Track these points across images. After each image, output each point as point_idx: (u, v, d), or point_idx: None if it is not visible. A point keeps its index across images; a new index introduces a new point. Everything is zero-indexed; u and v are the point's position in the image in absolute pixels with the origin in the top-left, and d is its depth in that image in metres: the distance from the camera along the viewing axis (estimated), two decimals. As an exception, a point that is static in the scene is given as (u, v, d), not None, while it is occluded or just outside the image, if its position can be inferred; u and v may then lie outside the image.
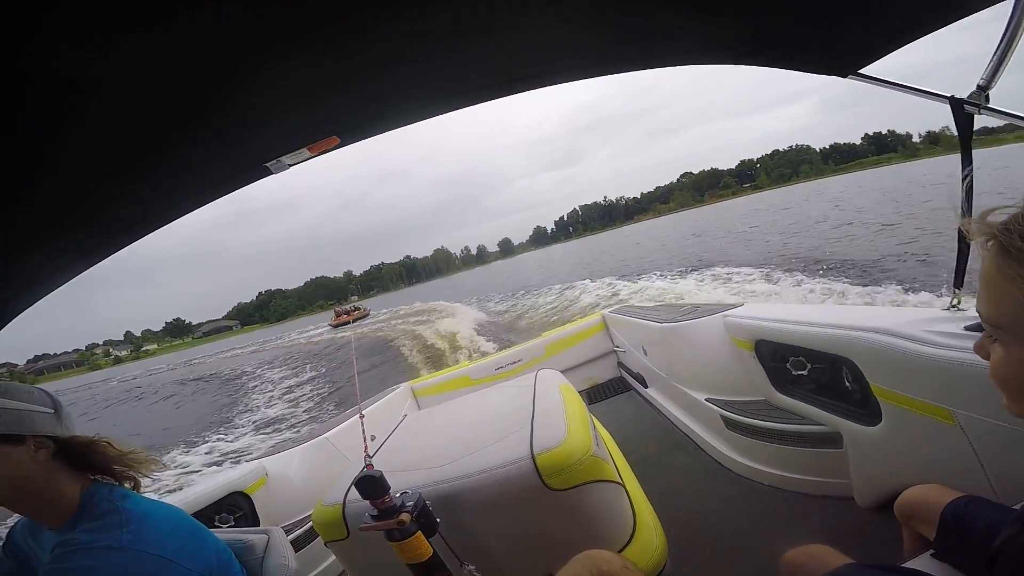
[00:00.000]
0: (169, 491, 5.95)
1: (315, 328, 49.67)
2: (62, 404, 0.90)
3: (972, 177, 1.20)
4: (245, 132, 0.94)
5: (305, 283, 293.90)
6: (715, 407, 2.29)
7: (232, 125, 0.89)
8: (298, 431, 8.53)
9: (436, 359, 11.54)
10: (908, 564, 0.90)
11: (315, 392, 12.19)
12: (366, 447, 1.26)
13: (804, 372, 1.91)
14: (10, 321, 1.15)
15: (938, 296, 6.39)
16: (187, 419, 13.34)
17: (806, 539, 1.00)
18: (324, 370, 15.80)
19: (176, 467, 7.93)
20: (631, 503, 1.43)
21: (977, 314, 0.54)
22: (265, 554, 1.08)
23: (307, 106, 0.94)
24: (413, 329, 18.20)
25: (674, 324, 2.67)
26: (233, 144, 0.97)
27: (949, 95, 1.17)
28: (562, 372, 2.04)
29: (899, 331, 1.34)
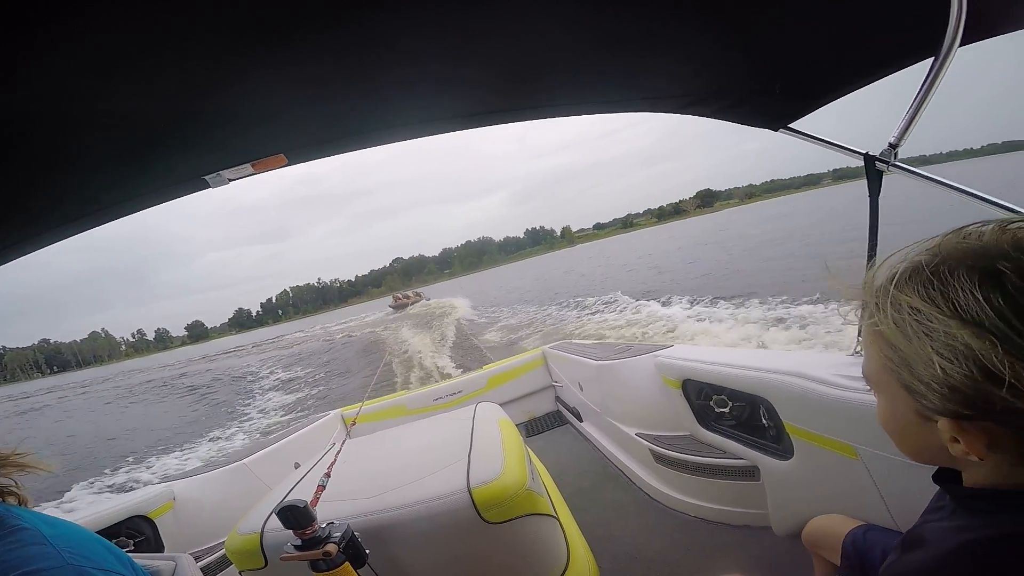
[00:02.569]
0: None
1: (375, 314, 52.41)
2: None
3: (877, 233, 1.29)
4: (184, 140, 0.89)
5: None
6: (645, 442, 2.36)
7: (171, 132, 0.84)
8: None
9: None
10: None
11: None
12: (334, 461, 1.24)
13: (726, 410, 2.02)
14: None
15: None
16: None
17: (729, 568, 1.05)
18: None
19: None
20: (565, 536, 1.43)
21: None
22: None
23: (254, 121, 0.90)
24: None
25: (609, 362, 2.76)
26: (170, 152, 0.91)
27: (864, 152, 1.27)
28: (501, 405, 2.04)
29: (809, 374, 1.46)
